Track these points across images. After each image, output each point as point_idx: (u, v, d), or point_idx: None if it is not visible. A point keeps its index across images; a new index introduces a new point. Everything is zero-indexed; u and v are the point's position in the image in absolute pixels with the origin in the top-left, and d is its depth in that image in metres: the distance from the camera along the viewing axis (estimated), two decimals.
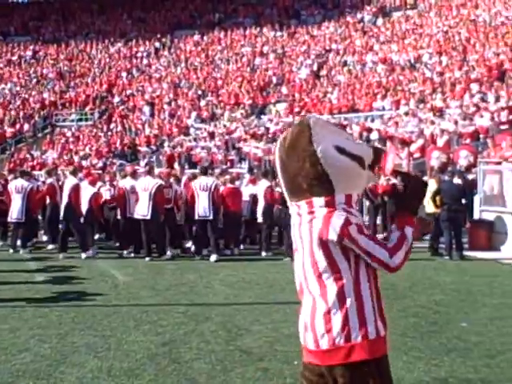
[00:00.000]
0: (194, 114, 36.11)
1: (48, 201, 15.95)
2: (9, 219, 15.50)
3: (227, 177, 15.84)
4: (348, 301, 3.29)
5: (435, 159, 19.13)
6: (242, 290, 10.50)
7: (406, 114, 27.87)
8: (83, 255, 14.13)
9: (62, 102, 41.79)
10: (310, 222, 3.33)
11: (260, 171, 19.09)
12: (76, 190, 14.30)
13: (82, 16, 53.79)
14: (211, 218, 14.09)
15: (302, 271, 3.46)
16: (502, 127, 21.16)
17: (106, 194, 15.91)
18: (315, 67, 39.88)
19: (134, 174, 15.66)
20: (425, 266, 12.97)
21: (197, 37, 47.83)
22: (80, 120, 39.73)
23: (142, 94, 40.94)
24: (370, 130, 26.95)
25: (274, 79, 39.84)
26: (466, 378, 5.95)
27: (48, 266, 13.13)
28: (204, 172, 14.98)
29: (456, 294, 9.94)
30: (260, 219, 15.22)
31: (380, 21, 43.87)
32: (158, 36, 48.75)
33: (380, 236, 16.69)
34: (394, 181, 15.94)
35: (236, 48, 45.43)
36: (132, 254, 14.71)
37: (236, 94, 38.44)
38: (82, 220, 14.48)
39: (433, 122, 24.38)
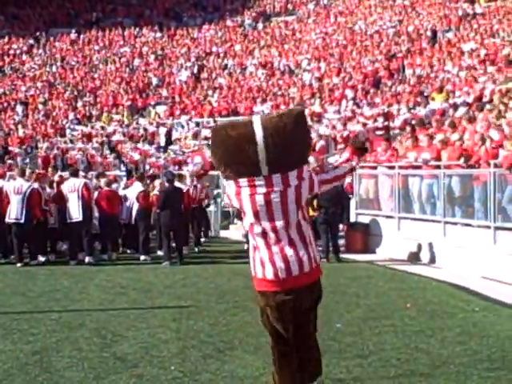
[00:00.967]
0: (70, 114, 35.17)
1: None
2: None
3: (104, 179, 15.48)
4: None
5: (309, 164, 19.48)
6: (117, 295, 10.24)
7: None
8: None
9: None
10: (299, 184, 4.53)
11: (137, 174, 18.89)
12: None
13: None
14: (81, 219, 13.73)
15: (283, 221, 4.53)
16: (378, 132, 21.86)
17: None
18: (195, 70, 39.89)
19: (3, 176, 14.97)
20: None
21: (73, 35, 46.69)
22: None
23: (15, 93, 39.46)
24: None
25: (154, 81, 39.52)
26: (339, 378, 6.02)
27: None
28: (74, 174, 14.62)
29: (332, 295, 10.06)
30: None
31: (260, 25, 44.39)
32: (33, 33, 47.16)
33: None
34: None
35: (115, 48, 44.70)
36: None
37: (114, 95, 37.81)
38: None
39: (310, 127, 24.87)
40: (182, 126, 31.60)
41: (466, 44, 31.80)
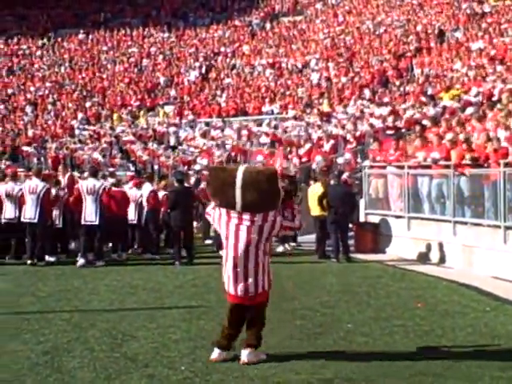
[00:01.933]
0: (79, 115, 35.25)
1: None
2: None
3: (112, 180, 15.51)
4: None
5: (316, 163, 19.53)
6: (127, 295, 10.26)
7: (295, 118, 28.34)
8: None
9: None
10: (262, 224, 6.41)
11: (146, 174, 18.88)
12: None
13: None
14: (97, 223, 13.68)
15: (246, 249, 6.39)
16: (388, 132, 21.82)
17: None
18: (203, 70, 39.88)
19: (15, 177, 14.95)
20: (312, 268, 13.17)
21: (81, 36, 46.73)
22: None
23: (25, 94, 39.58)
24: (258, 134, 27.24)
25: (162, 81, 39.54)
26: (350, 377, 6.02)
27: None
28: (93, 174, 14.56)
29: (342, 295, 10.09)
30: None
31: (268, 25, 44.38)
32: (41, 34, 47.29)
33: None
34: (282, 184, 16.10)
35: (123, 48, 44.74)
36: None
37: (123, 95, 37.88)
38: None
39: (320, 127, 24.89)
40: (191, 127, 31.59)
41: (475, 43, 31.72)
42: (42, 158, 28.52)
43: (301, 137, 24.11)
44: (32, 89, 40.13)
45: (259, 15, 46.05)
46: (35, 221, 13.63)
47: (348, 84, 32.23)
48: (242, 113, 33.03)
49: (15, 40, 46.95)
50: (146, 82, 39.52)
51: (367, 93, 30.23)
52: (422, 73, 31.18)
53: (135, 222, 15.42)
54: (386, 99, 28.23)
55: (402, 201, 14.96)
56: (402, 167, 15.16)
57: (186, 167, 24.04)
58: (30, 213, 13.68)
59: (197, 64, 40.66)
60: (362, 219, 16.41)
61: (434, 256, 13.73)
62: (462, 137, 14.17)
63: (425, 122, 19.11)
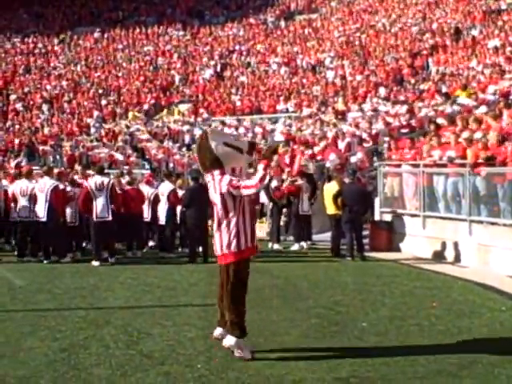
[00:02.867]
0: (95, 113, 35.39)
1: None
2: None
3: (128, 178, 15.57)
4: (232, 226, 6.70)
5: (330, 162, 19.52)
6: (143, 293, 10.30)
7: (310, 116, 28.30)
8: None
9: None
10: (213, 183, 6.75)
11: (163, 172, 18.90)
12: None
13: None
14: (110, 218, 13.77)
15: (216, 210, 6.78)
16: (403, 130, 21.77)
17: None
18: (218, 68, 39.92)
19: (29, 175, 15.00)
20: (327, 267, 13.14)
21: (97, 34, 46.94)
22: None
23: (41, 92, 39.78)
24: (273, 132, 27.25)
25: (177, 79, 39.60)
26: (366, 376, 6.02)
27: None
28: (100, 171, 14.63)
29: (357, 294, 10.08)
30: (163, 221, 15.08)
31: (283, 23, 44.34)
32: (57, 32, 47.55)
33: (290, 238, 16.87)
34: (299, 182, 16.12)
35: (138, 47, 44.88)
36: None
37: (138, 93, 37.99)
38: None
39: (335, 125, 24.85)
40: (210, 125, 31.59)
41: (491, 41, 31.55)
42: (58, 156, 28.65)
43: (315, 135, 24.09)
44: (48, 87, 40.30)
45: (274, 13, 46.04)
46: (44, 219, 13.74)
47: (363, 82, 32.16)
48: (257, 111, 33.03)
49: (31, 38, 47.25)
50: (161, 81, 39.62)
51: (382, 91, 30.15)
52: (437, 71, 31.06)
53: (149, 219, 15.50)
54: (401, 97, 28.16)
55: (418, 199, 14.93)
56: (417, 166, 15.12)
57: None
58: (40, 211, 13.81)
59: (212, 62, 40.72)
60: (376, 218, 16.38)
61: (450, 255, 13.69)
62: (478, 135, 14.10)
63: (440, 120, 19.02)
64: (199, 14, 49.34)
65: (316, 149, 21.77)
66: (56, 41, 46.81)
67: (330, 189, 14.91)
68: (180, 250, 15.44)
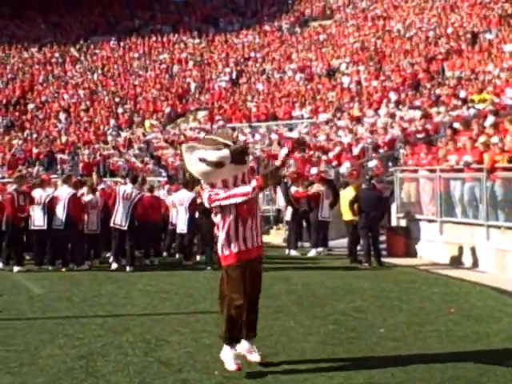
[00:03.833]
0: (111, 121, 35.60)
1: None
2: None
3: (146, 185, 15.65)
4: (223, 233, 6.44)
5: (345, 168, 19.55)
6: (160, 300, 10.34)
7: (326, 122, 28.29)
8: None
9: None
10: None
11: (180, 180, 18.97)
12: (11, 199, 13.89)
13: None
14: (126, 228, 13.89)
15: None
16: (419, 136, 21.72)
17: None
18: (234, 75, 40.02)
19: (43, 183, 15.06)
20: (344, 273, 13.12)
21: (113, 43, 47.26)
22: None
23: (58, 101, 40.09)
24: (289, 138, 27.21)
25: (193, 87, 39.75)
26: (384, 383, 6.01)
27: None
28: (133, 180, 14.78)
29: (374, 300, 10.06)
30: (184, 229, 15.12)
31: (298, 30, 44.40)
32: (74, 42, 47.95)
33: (306, 244, 16.86)
34: (320, 188, 16.12)
35: (154, 55, 45.12)
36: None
37: (154, 101, 38.17)
38: None
39: (350, 131, 24.84)
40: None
41: (507, 45, 31.40)
42: (75, 165, 28.85)
43: (331, 141, 24.10)
44: (65, 96, 40.65)
45: (289, 20, 46.14)
46: (62, 227, 13.85)
47: (378, 87, 32.11)
48: (273, 118, 33.07)
49: (48, 48, 47.69)
50: (177, 88, 39.78)
51: (397, 97, 30.08)
52: (453, 75, 30.95)
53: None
54: (417, 102, 28.08)
55: (434, 204, 14.88)
56: (433, 171, 15.08)
57: None
58: (58, 219, 13.93)
59: (227, 69, 40.85)
60: (393, 223, 16.34)
61: (467, 260, 13.63)
62: (495, 140, 14.04)
63: (456, 125, 18.96)
64: (214, 21, 49.55)
65: (331, 154, 21.78)
66: (73, 50, 47.18)
67: (347, 195, 14.90)
68: (198, 257, 15.49)
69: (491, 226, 13.06)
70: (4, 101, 40.93)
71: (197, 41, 46.21)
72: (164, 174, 26.39)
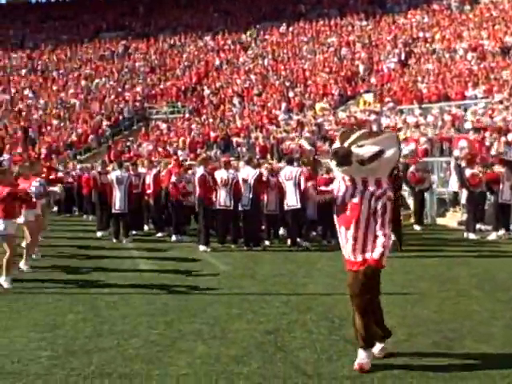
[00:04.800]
0: (283, 105, 36.24)
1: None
2: (112, 210, 15.99)
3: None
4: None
5: (458, 149, 18.87)
6: (342, 280, 10.45)
7: (501, 102, 27.21)
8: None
9: (154, 95, 42.79)
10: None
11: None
12: (203, 180, 14.43)
13: (171, 11, 54.78)
14: (299, 206, 14.28)
15: None
16: None
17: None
18: (403, 56, 39.36)
19: (228, 165, 15.59)
20: None
21: (282, 28, 47.96)
22: (172, 113, 40.50)
23: (232, 86, 41.38)
24: (462, 120, 26.54)
25: (362, 69, 39.52)
26: None
27: (152, 256, 13.57)
28: (290, 162, 15.18)
29: None
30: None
31: (468, 7, 42.85)
32: (244, 28, 49.20)
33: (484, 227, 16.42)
34: (501, 169, 15.62)
35: (322, 38, 45.28)
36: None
37: (324, 84, 38.37)
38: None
39: None
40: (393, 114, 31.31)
41: None
42: (251, 148, 29.71)
43: (508, 121, 23.18)
44: (238, 81, 41.85)
45: None
46: (248, 207, 14.35)
47: None
48: (445, 98, 32.21)
49: (220, 35, 49.27)
50: (345, 71, 39.73)
51: None
52: None
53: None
54: None
55: None
56: None
57: None
58: (245, 199, 14.42)
59: (396, 51, 40.21)
60: None
61: None
62: None
63: None
64: (381, 2, 48.86)
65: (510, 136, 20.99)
66: (244, 36, 48.43)
67: None
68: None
69: None
70: (182, 88, 42.80)
71: (364, 23, 45.83)
72: None
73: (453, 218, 18.38)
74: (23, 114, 42.56)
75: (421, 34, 41.44)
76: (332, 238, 14.96)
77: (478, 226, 16.10)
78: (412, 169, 17.21)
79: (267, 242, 14.80)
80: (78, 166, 25.01)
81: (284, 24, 48.41)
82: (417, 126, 27.29)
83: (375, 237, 6.02)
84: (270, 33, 48.20)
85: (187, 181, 15.96)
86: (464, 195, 16.46)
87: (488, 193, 16.16)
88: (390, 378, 5.84)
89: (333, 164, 6.12)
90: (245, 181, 14.36)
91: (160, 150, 31.73)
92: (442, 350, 6.51)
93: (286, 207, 14.61)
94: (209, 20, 52.77)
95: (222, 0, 54.81)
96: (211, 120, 36.41)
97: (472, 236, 15.58)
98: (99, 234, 17.01)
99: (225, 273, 11.36)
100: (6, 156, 34.99)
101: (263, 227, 15.31)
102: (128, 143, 35.38)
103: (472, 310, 8.13)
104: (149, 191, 17.07)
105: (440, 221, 19.07)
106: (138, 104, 41.60)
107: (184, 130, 35.32)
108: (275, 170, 15.64)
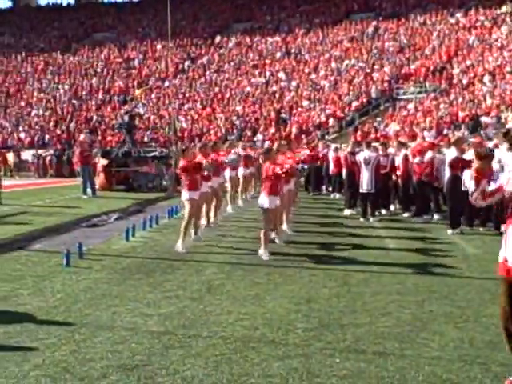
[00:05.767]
0: None
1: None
2: (360, 190, 16.29)
3: None
4: None
5: None
6: None
7: None
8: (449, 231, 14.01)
9: (403, 75, 42.45)
10: None
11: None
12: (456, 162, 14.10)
13: None
14: None
15: None
16: None
17: None
18: None
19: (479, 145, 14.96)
20: None
21: None
22: (420, 93, 39.94)
23: (483, 64, 39.78)
24: None
25: None
26: None
27: (399, 235, 13.61)
28: None
29: None
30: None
31: None
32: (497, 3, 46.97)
33: None
34: None
35: None
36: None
37: None
38: None
39: None
40: None
41: None
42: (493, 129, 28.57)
43: None
44: (490, 59, 40.10)
45: None
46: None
47: None
48: None
49: (473, 11, 47.42)
50: None
51: None
52: None
53: None
54: None
55: None
56: None
57: None
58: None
59: None
60: None
61: None
62: None
63: None
64: None
65: None
66: (498, 12, 46.21)
67: None
68: None
69: None
70: (431, 67, 41.97)
71: None
72: None
73: None
74: (276, 96, 44.41)
75: None
76: None
77: None
78: None
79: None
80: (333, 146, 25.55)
81: None
82: None
83: None
84: None
85: (440, 162, 15.71)
86: None
87: None
88: None
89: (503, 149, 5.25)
90: None
91: (407, 130, 31.51)
92: None
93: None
94: None
95: None
96: (460, 100, 35.34)
97: None
98: (347, 212, 17.40)
99: (474, 256, 11.13)
100: (259, 136, 37.00)
101: None
102: (375, 124, 35.55)
103: None
104: (398, 172, 17.12)
105: None
106: (385, 84, 41.53)
107: (431, 110, 34.69)
108: None
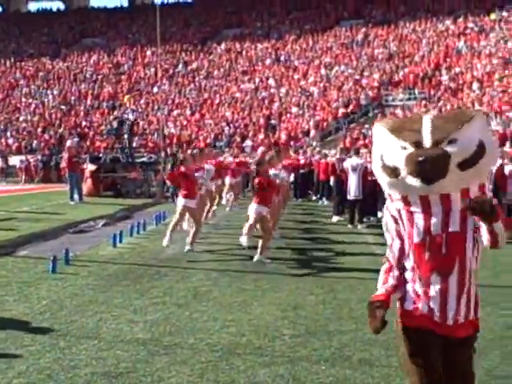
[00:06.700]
0: None
1: None
2: (348, 196, 16.29)
3: None
4: None
5: None
6: None
7: None
8: None
9: (391, 82, 42.60)
10: None
11: None
12: None
13: None
14: None
15: None
16: None
17: None
18: None
19: None
20: None
21: None
22: (408, 99, 40.06)
23: (471, 71, 39.99)
24: None
25: None
26: None
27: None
28: None
29: None
30: None
31: None
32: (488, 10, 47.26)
33: None
34: None
35: None
36: None
37: None
38: None
39: None
40: None
41: None
42: None
43: None
44: (479, 66, 40.30)
45: None
46: None
47: None
48: None
49: (461, 19, 47.67)
50: None
51: None
52: None
53: None
54: None
55: None
56: None
57: None
58: None
59: None
60: None
61: None
62: None
63: None
64: None
65: None
66: (488, 18, 46.47)
67: None
68: None
69: None
70: (420, 74, 42.15)
71: None
72: None
73: None
74: (266, 102, 44.48)
75: None
76: None
77: None
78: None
79: None
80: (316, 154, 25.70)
81: None
82: None
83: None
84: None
85: None
86: None
87: None
88: None
89: (413, 181, 3.43)
90: None
91: None
92: None
93: None
94: (450, 3, 51.21)
95: None
96: (448, 106, 35.48)
97: None
98: (335, 218, 17.41)
99: None
100: (248, 142, 37.02)
101: None
102: (363, 130, 35.64)
103: None
104: None
105: None
106: (375, 91, 41.66)
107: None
108: None
